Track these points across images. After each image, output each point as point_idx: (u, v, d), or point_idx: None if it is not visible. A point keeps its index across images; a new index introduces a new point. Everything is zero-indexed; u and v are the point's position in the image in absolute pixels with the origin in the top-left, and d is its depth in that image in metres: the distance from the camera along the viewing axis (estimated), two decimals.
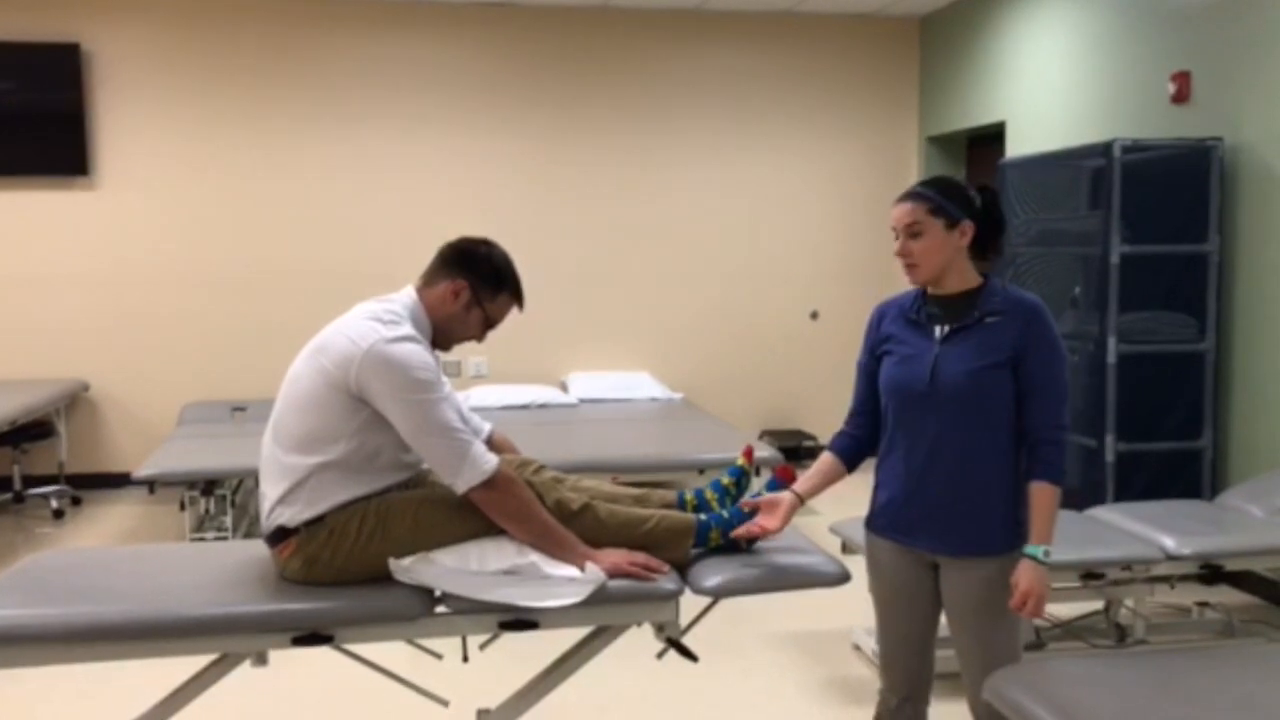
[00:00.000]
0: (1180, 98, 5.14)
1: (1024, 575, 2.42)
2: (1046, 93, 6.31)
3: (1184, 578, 3.89)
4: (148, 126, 6.99)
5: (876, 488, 2.67)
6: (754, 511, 2.69)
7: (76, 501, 6.68)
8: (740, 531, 2.66)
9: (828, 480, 2.70)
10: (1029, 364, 2.44)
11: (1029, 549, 2.43)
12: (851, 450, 2.71)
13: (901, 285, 2.62)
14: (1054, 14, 6.23)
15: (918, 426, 2.53)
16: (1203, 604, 4.37)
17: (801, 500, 2.68)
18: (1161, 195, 4.91)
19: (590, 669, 2.77)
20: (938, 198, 2.49)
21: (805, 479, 2.71)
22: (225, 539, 5.29)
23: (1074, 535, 3.83)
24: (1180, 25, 5.18)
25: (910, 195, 2.52)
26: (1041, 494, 2.44)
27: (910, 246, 2.50)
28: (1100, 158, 4.95)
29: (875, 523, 2.67)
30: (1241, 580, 4.63)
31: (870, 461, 2.71)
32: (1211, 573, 3.82)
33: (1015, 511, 2.49)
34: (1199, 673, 2.38)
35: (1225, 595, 4.50)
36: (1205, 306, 4.93)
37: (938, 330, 2.53)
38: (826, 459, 2.72)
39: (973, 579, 2.50)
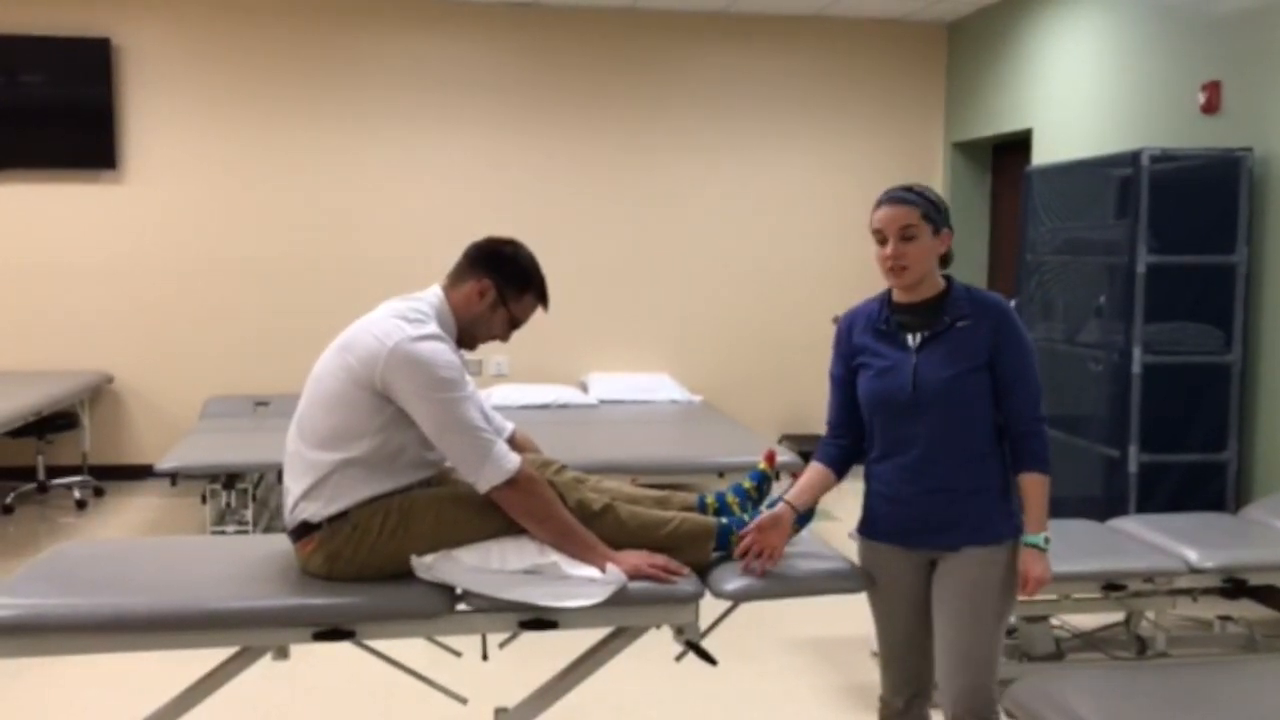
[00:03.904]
0: (1210, 107, 5.10)
1: (1032, 563, 2.50)
2: (1074, 100, 6.28)
3: (1206, 591, 3.85)
4: (176, 121, 7.04)
5: (869, 495, 2.69)
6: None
7: (99, 492, 6.73)
8: (742, 564, 2.63)
9: (820, 490, 2.73)
10: (1003, 363, 2.52)
11: (1029, 538, 2.51)
12: (839, 460, 2.74)
13: None
14: (1083, 22, 6.19)
15: (905, 434, 2.57)
16: (1225, 618, 4.34)
17: (797, 512, 2.68)
18: (1189, 205, 4.88)
19: (608, 670, 2.78)
20: (926, 203, 2.54)
21: (798, 491, 2.71)
22: (246, 533, 5.32)
23: (1096, 546, 3.81)
24: (1211, 34, 5.14)
25: (900, 199, 2.54)
26: (1032, 484, 2.52)
27: (904, 249, 2.51)
28: (1128, 167, 4.92)
29: (871, 529, 2.70)
30: (1265, 594, 4.58)
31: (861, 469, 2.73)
32: (1234, 586, 3.79)
33: (1005, 502, 2.56)
34: (1222, 686, 2.37)
35: (1248, 609, 4.47)
36: (1232, 318, 4.89)
37: (910, 339, 2.57)
38: (817, 469, 2.74)
39: (964, 565, 2.54)
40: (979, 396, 2.52)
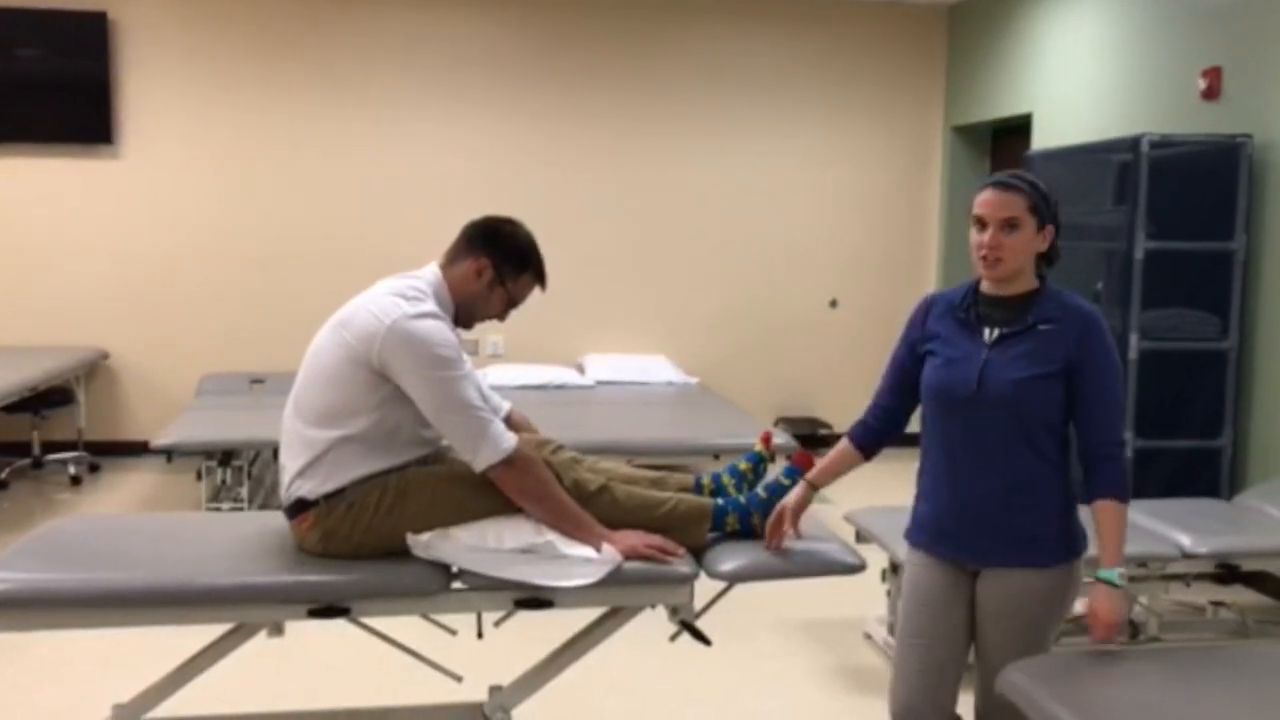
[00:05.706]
0: (1210, 94, 5.09)
1: (1102, 604, 2.32)
2: (1074, 85, 6.26)
3: (1199, 576, 3.87)
4: (173, 97, 7.00)
5: (918, 498, 2.57)
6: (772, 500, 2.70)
7: (94, 469, 6.73)
8: (770, 542, 2.65)
9: (843, 469, 2.69)
10: (1082, 376, 2.34)
11: (1102, 573, 2.32)
12: (869, 441, 2.66)
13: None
14: (1084, 6, 6.17)
15: (961, 433, 2.42)
16: (1217, 603, 4.35)
17: (816, 488, 2.67)
18: (1188, 192, 4.87)
19: (603, 649, 2.79)
20: (1036, 195, 2.36)
21: (820, 470, 2.69)
22: (241, 509, 5.32)
23: (1089, 530, 3.82)
24: (1212, 21, 5.13)
25: (1011, 186, 2.36)
26: (1106, 513, 2.33)
27: (1002, 239, 2.34)
28: (1128, 152, 4.91)
29: (916, 536, 2.56)
30: (1257, 581, 4.60)
31: (887, 451, 2.70)
32: (1227, 572, 3.81)
33: (1063, 525, 2.40)
34: (1215, 672, 2.38)
35: (1240, 595, 4.48)
36: (1229, 305, 4.89)
37: (987, 333, 2.41)
38: (844, 447, 2.69)
39: (1012, 588, 2.41)
40: (1047, 406, 2.34)
